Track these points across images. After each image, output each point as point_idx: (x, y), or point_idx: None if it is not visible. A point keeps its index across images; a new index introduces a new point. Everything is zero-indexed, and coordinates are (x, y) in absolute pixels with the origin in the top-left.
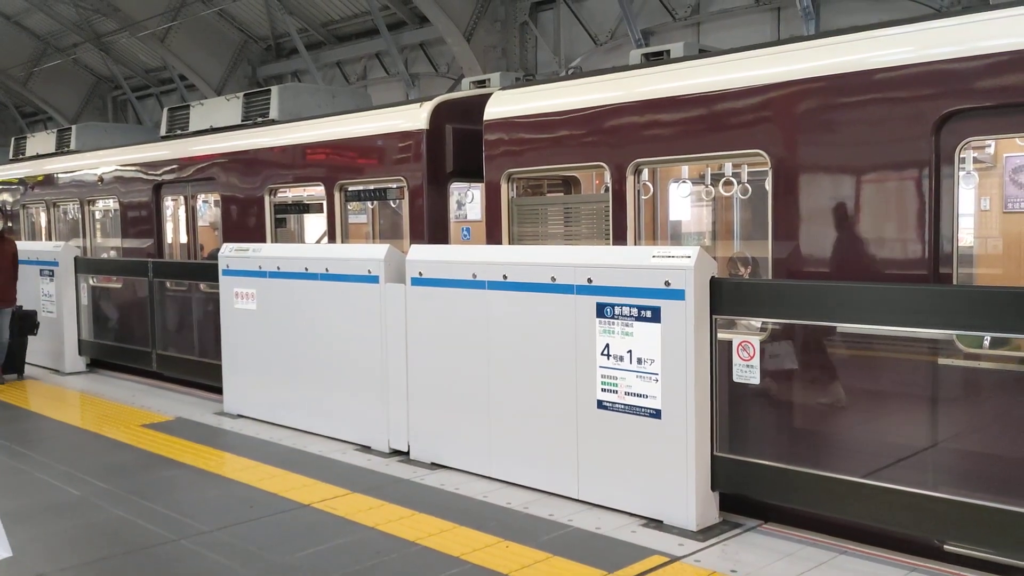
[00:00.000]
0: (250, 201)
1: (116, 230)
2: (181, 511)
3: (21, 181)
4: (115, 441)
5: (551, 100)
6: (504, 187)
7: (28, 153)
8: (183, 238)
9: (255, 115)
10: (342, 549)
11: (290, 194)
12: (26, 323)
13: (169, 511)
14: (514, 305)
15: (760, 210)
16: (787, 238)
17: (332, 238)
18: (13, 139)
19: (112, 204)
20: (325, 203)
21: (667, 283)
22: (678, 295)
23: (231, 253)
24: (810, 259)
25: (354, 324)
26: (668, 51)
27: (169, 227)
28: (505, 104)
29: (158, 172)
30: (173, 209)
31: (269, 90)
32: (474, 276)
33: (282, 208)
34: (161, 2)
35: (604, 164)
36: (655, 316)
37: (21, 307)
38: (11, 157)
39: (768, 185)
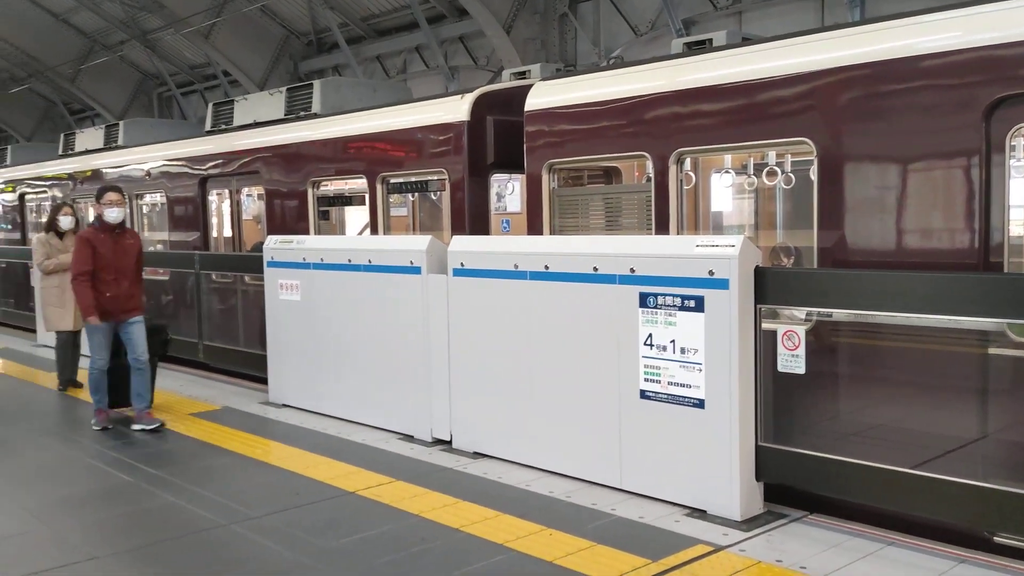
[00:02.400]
0: (293, 194)
1: (163, 223)
2: (230, 497)
3: (70, 176)
4: (165, 429)
5: (593, 90)
6: (545, 178)
7: (77, 149)
8: (228, 231)
9: (298, 109)
10: (388, 535)
11: (332, 187)
12: (154, 340)
13: (218, 497)
14: (556, 295)
15: (803, 199)
16: (833, 227)
17: (374, 230)
18: (63, 135)
19: (159, 198)
20: (367, 195)
21: (711, 272)
22: (722, 284)
23: (276, 245)
24: (857, 248)
25: (396, 315)
26: (711, 40)
27: (214, 220)
28: (546, 95)
29: (203, 166)
30: (218, 202)
31: (311, 84)
32: (516, 267)
33: (325, 200)
34: None
35: (646, 154)
36: (699, 306)
37: (148, 319)
38: (60, 153)
39: (813, 174)
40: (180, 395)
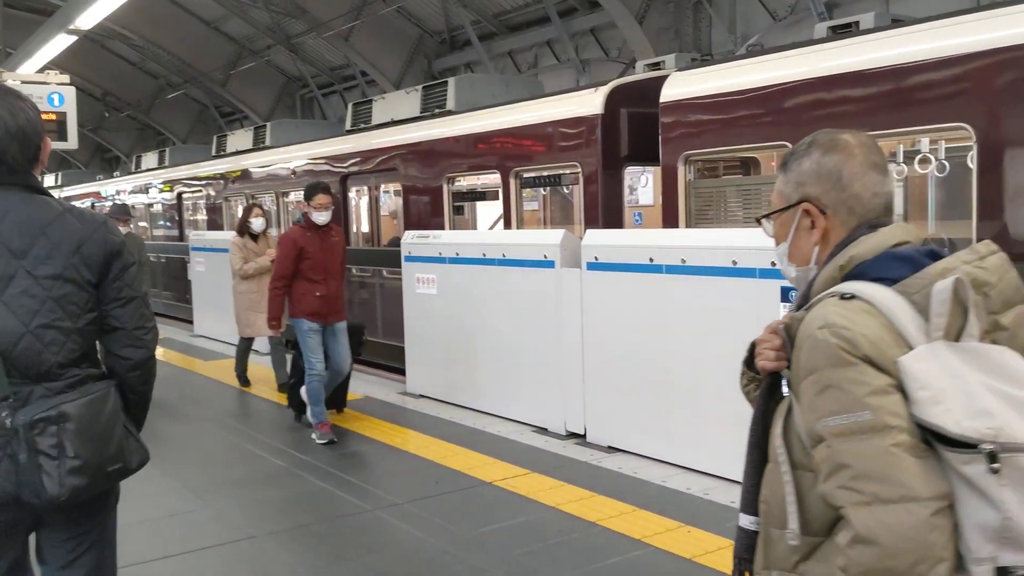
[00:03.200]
0: (429, 190)
1: None
2: (374, 484)
3: (222, 176)
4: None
5: (731, 79)
6: (681, 170)
7: (228, 150)
8: (366, 226)
9: (433, 106)
10: (525, 526)
11: (466, 182)
12: (352, 341)
13: (363, 483)
14: (693, 289)
15: (958, 188)
16: (993, 217)
17: (508, 224)
18: (215, 137)
19: (301, 195)
20: (501, 190)
21: None
22: None
23: (413, 240)
24: (1021, 240)
25: (530, 308)
26: (857, 23)
27: (354, 216)
28: (682, 85)
29: (344, 164)
30: (357, 199)
31: (446, 82)
32: (651, 260)
33: (459, 196)
34: (345, 2)
35: (788, 143)
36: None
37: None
38: (213, 154)
39: (971, 161)
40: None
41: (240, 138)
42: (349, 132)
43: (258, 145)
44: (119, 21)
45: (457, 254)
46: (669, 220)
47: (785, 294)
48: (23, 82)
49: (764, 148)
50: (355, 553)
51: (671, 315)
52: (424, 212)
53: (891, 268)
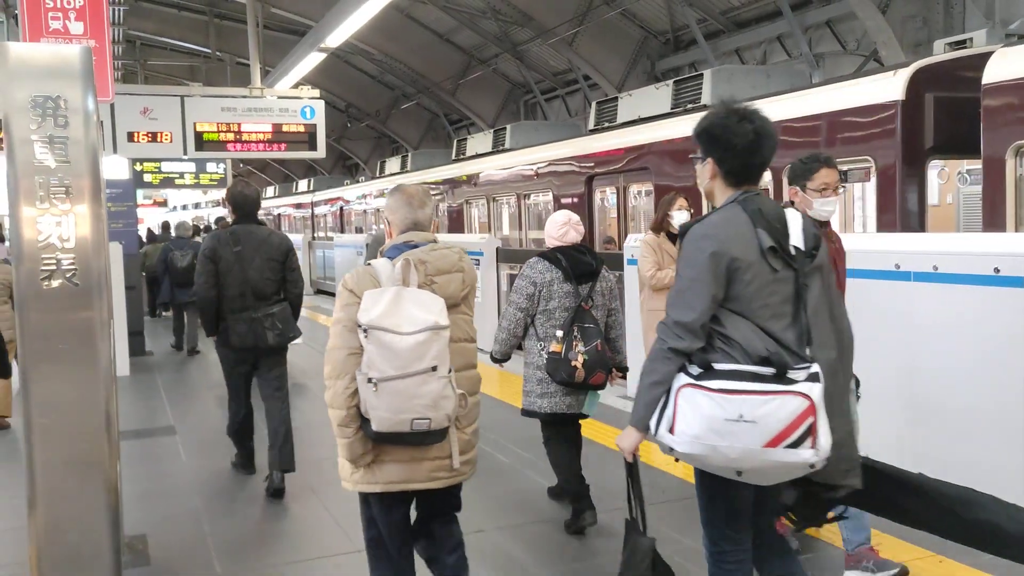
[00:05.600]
0: (684, 189)
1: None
2: (601, 487)
3: (460, 179)
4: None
5: None
6: (1011, 163)
7: (468, 153)
8: (611, 228)
9: (685, 102)
10: None
11: None
12: None
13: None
14: (946, 299)
15: None
16: None
17: None
18: (455, 141)
19: (544, 197)
20: (771, 188)
21: None
22: None
23: (635, 244)
24: None
25: None
26: None
27: (599, 217)
28: (1016, 63)
29: (590, 164)
30: (602, 199)
31: (701, 75)
32: (896, 266)
33: None
34: (570, 8)
35: None
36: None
37: None
38: (453, 158)
39: None
40: None
41: (479, 141)
42: (592, 132)
43: (497, 148)
44: (361, 38)
45: None
46: (993, 222)
47: None
48: (280, 96)
49: None
50: (586, 554)
51: (918, 327)
52: None
53: (392, 252)
